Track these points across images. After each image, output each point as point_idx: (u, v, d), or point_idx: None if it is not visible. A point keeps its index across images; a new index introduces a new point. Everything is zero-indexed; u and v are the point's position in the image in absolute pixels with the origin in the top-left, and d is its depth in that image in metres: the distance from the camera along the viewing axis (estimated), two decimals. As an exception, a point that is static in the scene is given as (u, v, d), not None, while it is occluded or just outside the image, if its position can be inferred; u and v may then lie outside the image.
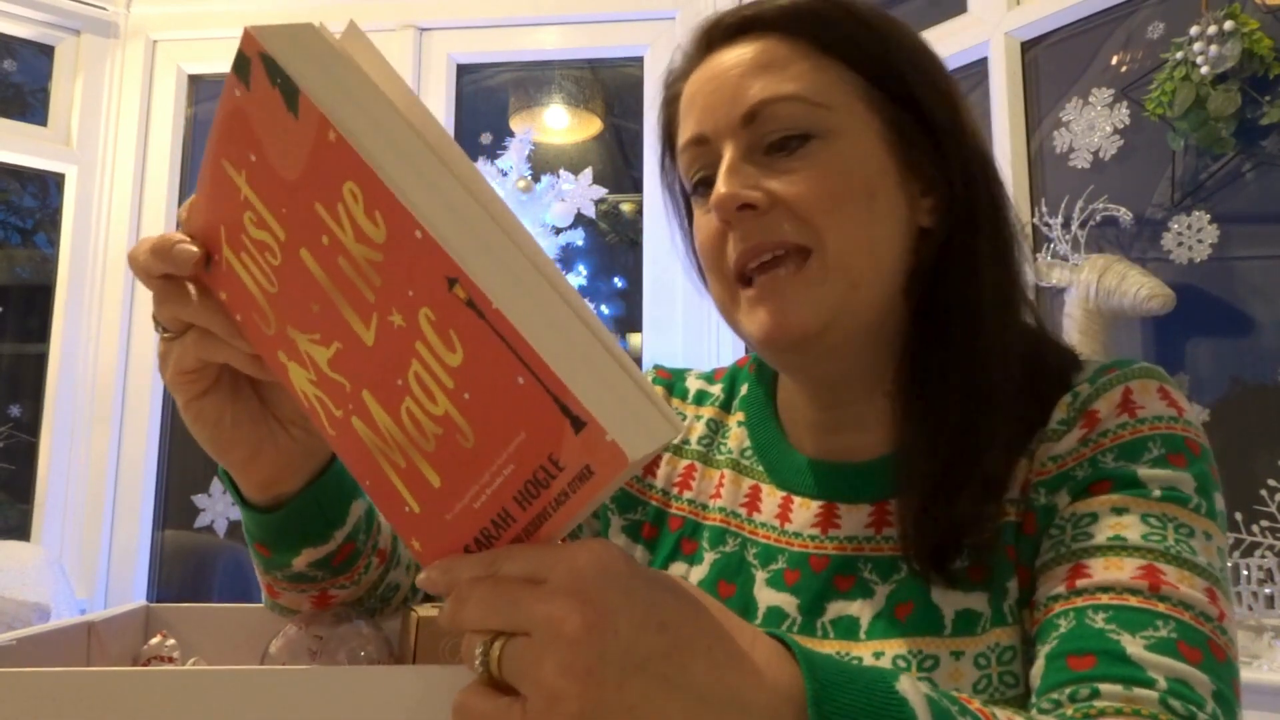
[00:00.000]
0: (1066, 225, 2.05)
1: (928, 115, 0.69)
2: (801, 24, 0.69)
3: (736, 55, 0.70)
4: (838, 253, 0.66)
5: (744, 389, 0.83)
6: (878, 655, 0.64)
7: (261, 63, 0.38)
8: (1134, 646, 0.55)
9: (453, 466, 0.41)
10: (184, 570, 2.79)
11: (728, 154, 0.68)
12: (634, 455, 0.37)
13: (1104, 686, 0.53)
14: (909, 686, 0.46)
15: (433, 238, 0.37)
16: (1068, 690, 0.54)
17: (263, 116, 0.39)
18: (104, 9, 2.85)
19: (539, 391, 0.37)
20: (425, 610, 0.57)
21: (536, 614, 0.40)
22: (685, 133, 0.72)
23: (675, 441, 0.80)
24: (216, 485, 2.76)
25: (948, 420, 0.65)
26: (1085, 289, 1.91)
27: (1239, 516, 1.76)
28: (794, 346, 0.67)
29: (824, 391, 0.73)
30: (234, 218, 0.42)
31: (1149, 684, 0.53)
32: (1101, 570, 0.58)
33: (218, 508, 2.76)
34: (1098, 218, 2.05)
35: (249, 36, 0.38)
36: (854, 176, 0.67)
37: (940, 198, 0.70)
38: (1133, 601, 0.57)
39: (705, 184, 0.71)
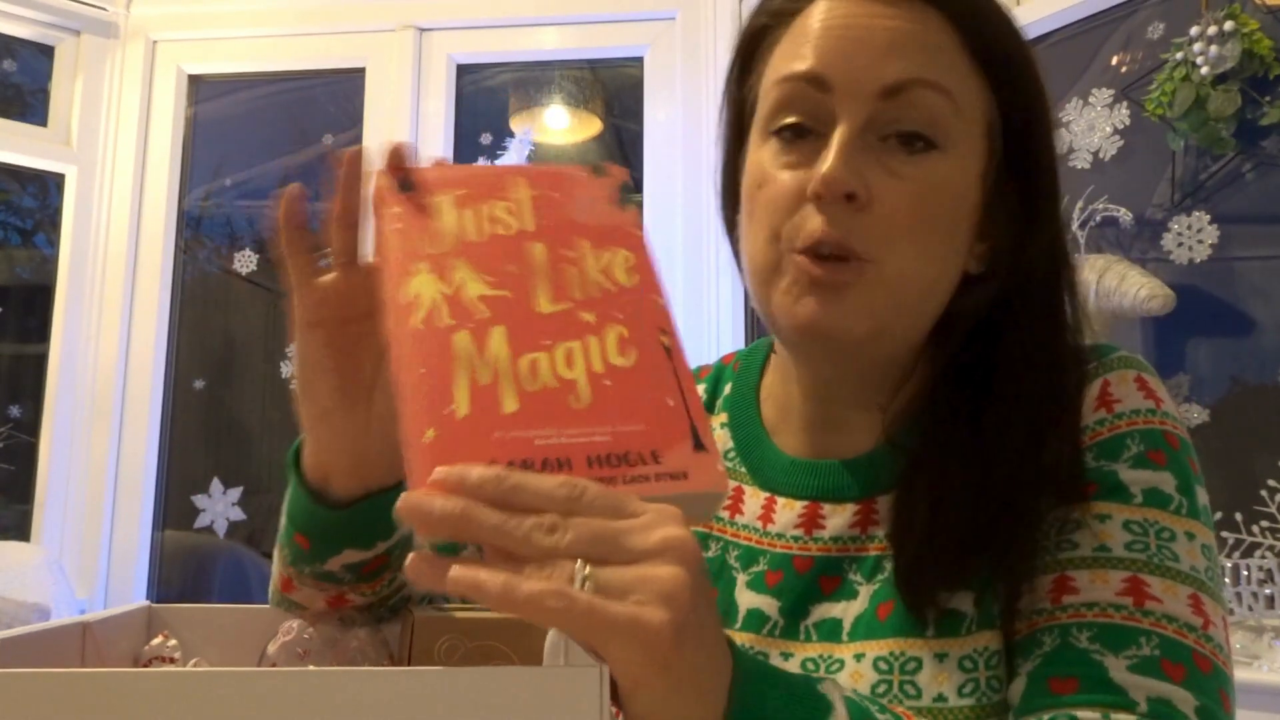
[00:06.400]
0: (1066, 226, 2.05)
1: (1033, 170, 0.65)
2: (971, 20, 0.63)
3: (892, 14, 0.62)
4: (895, 277, 0.62)
5: (728, 388, 0.80)
6: (859, 657, 0.62)
7: (619, 183, 0.56)
8: (1117, 668, 0.55)
9: (541, 407, 0.45)
10: (184, 570, 2.79)
11: (846, 123, 0.62)
12: (728, 488, 0.52)
13: (1082, 713, 0.54)
14: (831, 687, 0.50)
15: (667, 307, 0.52)
16: (1047, 716, 0.55)
17: (589, 191, 0.55)
18: (104, 9, 2.85)
19: (681, 414, 0.47)
20: (423, 612, 0.57)
21: (651, 541, 0.42)
22: (796, 62, 0.64)
23: None
24: (216, 485, 2.76)
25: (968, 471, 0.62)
26: (1085, 289, 1.91)
27: (1239, 517, 1.76)
28: (835, 345, 0.64)
29: (821, 386, 0.71)
30: (484, 194, 0.53)
31: (1129, 707, 0.54)
32: (1087, 583, 0.59)
33: (217, 508, 2.76)
34: (1098, 218, 2.05)
35: (620, 171, 0.57)
36: (949, 206, 0.63)
37: (999, 248, 0.66)
38: (1117, 619, 0.57)
39: (796, 130, 0.64)
